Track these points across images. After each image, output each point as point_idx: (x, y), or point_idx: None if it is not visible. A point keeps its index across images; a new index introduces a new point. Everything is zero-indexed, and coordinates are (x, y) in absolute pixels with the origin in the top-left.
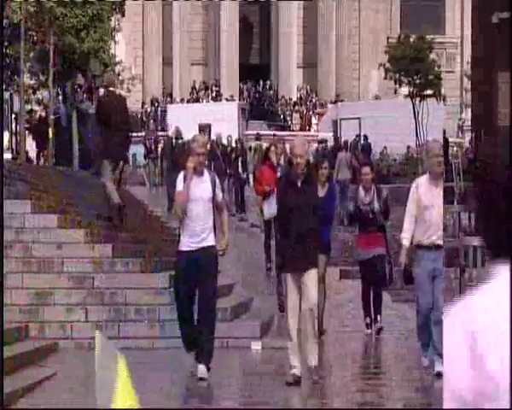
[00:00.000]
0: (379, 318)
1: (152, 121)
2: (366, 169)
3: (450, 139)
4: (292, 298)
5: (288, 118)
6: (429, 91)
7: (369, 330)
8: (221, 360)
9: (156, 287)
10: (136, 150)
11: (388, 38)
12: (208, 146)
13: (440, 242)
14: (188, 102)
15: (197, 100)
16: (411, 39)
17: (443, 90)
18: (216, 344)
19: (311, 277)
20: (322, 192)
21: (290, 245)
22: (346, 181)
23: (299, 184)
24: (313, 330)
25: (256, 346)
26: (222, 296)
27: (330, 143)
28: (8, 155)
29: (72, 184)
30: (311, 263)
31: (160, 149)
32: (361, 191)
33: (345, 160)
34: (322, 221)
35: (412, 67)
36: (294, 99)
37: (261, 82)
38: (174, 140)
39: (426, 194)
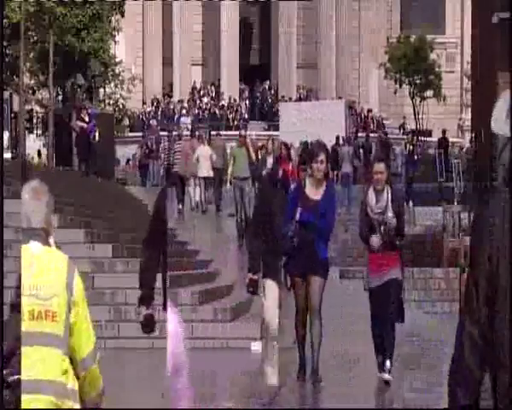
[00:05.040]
0: (388, 364)
1: (154, 121)
2: (380, 166)
3: (450, 139)
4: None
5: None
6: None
7: (386, 376)
8: (221, 360)
9: (156, 287)
10: (137, 150)
11: (388, 38)
12: None
13: None
14: (188, 101)
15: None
16: (411, 39)
17: (443, 91)
18: (216, 345)
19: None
20: (316, 194)
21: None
22: (349, 176)
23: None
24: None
25: (256, 346)
26: (222, 297)
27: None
28: (8, 155)
29: (71, 184)
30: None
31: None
32: (371, 195)
33: (347, 154)
34: (317, 232)
35: (412, 67)
36: (294, 99)
37: (261, 82)
38: None
39: None
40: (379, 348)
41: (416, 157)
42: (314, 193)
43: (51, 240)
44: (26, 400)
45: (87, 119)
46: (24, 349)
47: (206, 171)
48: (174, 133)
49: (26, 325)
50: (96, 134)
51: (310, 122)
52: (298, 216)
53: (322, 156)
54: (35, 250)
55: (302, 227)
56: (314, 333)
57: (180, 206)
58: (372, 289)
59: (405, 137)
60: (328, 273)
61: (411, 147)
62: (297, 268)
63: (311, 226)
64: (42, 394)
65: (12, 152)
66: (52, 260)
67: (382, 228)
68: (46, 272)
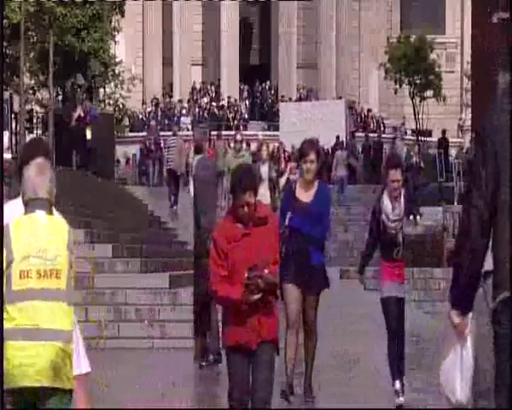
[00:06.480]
0: (403, 384)
1: (153, 121)
2: (397, 173)
3: (450, 139)
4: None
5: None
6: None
7: (401, 399)
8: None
9: (156, 287)
10: (137, 150)
11: (388, 38)
12: None
13: None
14: (188, 101)
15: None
16: (411, 39)
17: (443, 91)
18: (216, 345)
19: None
20: (306, 196)
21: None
22: (343, 179)
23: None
24: None
25: None
26: None
27: None
28: (8, 155)
29: (71, 184)
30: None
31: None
32: (386, 202)
33: (341, 158)
34: (309, 237)
35: (412, 67)
36: (294, 99)
37: (261, 82)
38: None
39: None
40: (395, 372)
41: (419, 164)
42: (304, 195)
43: (53, 209)
44: (40, 346)
45: (83, 113)
46: (35, 303)
47: None
48: (167, 133)
49: (34, 283)
50: (88, 132)
51: (310, 122)
52: (287, 221)
53: (312, 156)
54: (41, 218)
55: (293, 232)
56: (308, 349)
57: (174, 206)
58: (387, 298)
59: (407, 144)
60: (325, 280)
61: (418, 160)
62: (289, 277)
63: (302, 231)
64: (53, 341)
65: (12, 152)
66: (55, 226)
67: (400, 236)
68: (51, 236)
